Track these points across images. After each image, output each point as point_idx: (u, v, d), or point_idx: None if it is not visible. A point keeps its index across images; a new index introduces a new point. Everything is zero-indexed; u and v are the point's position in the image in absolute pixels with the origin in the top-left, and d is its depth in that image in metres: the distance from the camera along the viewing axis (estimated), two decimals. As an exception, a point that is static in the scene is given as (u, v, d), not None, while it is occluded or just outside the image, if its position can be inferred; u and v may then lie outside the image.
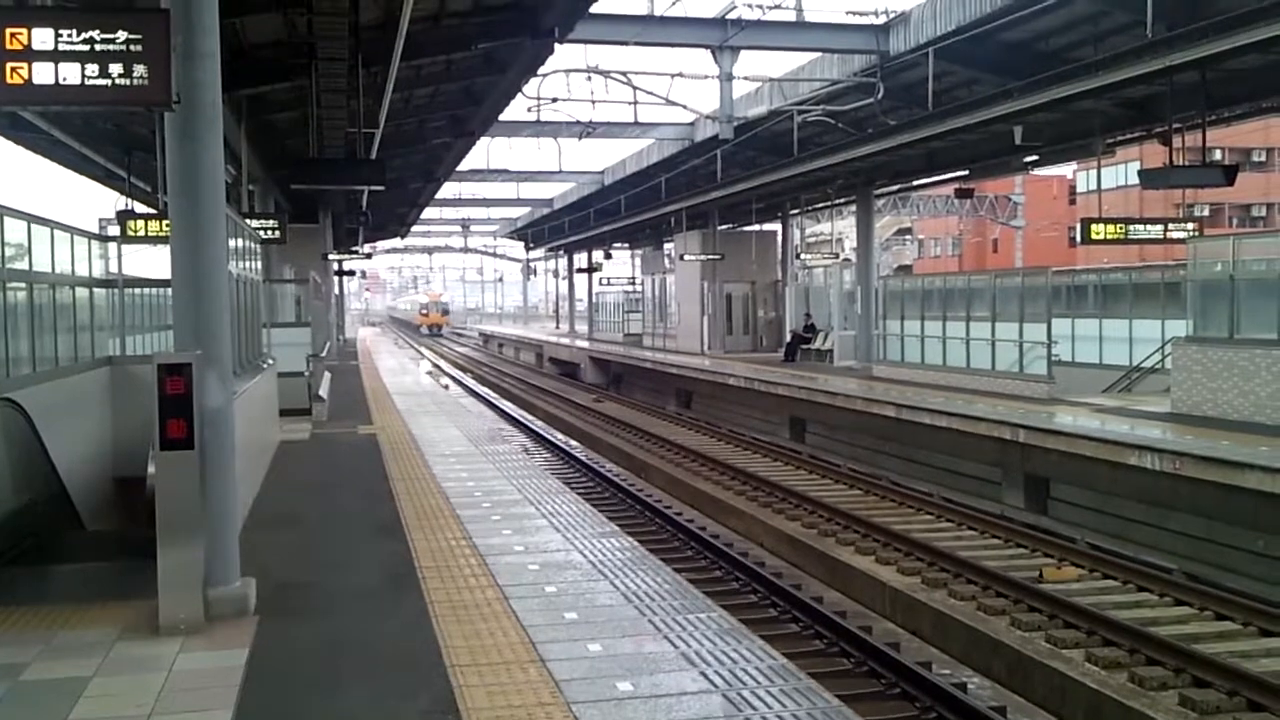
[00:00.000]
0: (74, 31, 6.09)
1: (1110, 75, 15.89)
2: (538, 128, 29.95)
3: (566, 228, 52.33)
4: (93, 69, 6.09)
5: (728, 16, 21.34)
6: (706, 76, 22.87)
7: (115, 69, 6.10)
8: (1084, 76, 16.42)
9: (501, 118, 25.06)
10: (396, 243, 74.97)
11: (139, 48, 6.09)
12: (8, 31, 6.04)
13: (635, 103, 25.08)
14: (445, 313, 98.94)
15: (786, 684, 5.73)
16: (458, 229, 72.86)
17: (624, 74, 23.71)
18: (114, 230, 17.34)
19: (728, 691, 5.61)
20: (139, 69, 6.10)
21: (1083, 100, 17.57)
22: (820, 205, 39.03)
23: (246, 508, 9.84)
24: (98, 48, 6.08)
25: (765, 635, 7.64)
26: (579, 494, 12.68)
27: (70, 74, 6.10)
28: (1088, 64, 16.63)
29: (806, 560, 14.14)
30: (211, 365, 6.90)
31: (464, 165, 33.11)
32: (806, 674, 6.04)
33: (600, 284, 60.95)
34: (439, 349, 71.14)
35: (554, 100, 24.77)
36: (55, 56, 6.08)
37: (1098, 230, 19.52)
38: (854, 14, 21.49)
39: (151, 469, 7.01)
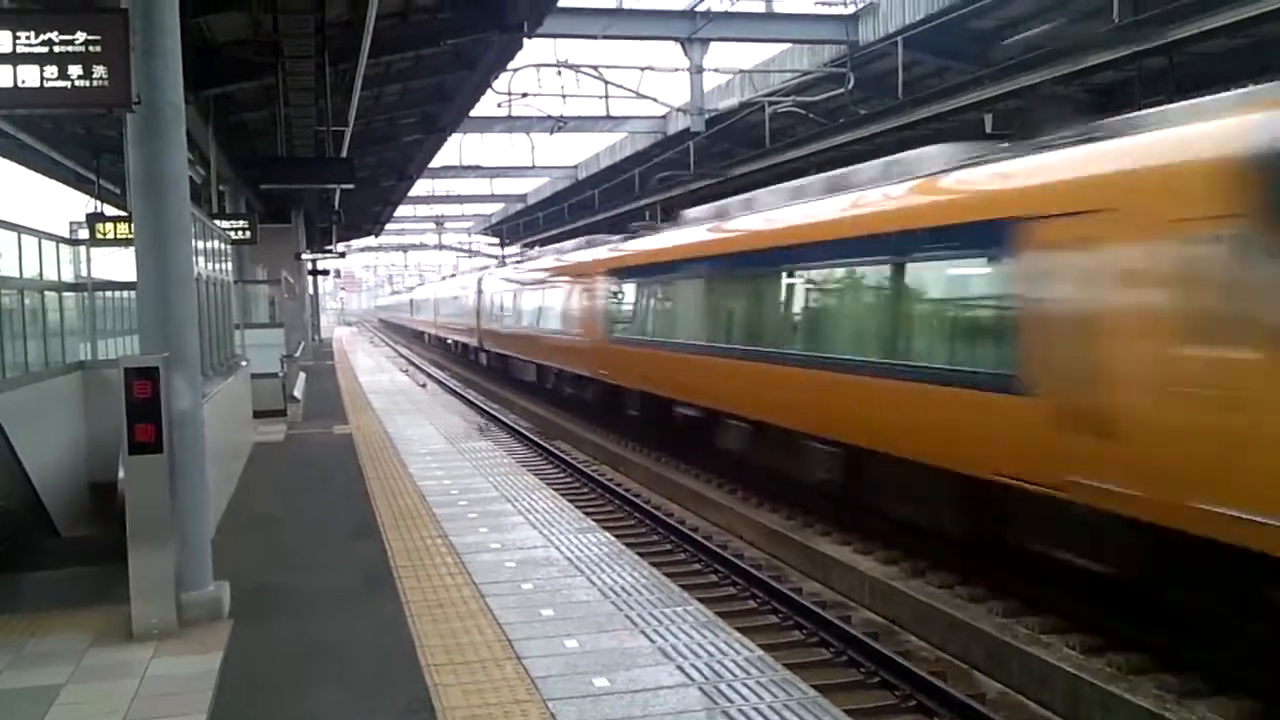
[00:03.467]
0: (32, 33, 6.03)
1: (1079, 62, 15.94)
2: (509, 123, 29.95)
3: (541, 223, 52.18)
4: (51, 71, 6.04)
5: (697, 8, 21.35)
6: (677, 69, 22.85)
7: (74, 70, 6.05)
8: (1053, 63, 16.46)
9: (473, 113, 25.02)
10: (370, 241, 74.66)
11: (98, 48, 6.05)
12: (-36, 35, 5.98)
13: (606, 97, 24.98)
14: None
15: (764, 675, 5.73)
16: (431, 226, 72.51)
17: (594, 68, 23.65)
18: (84, 234, 17.23)
19: (705, 685, 5.60)
20: (98, 70, 6.06)
21: (1052, 87, 17.60)
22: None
23: (220, 511, 9.78)
24: (56, 49, 6.03)
25: (743, 628, 7.64)
26: (557, 490, 12.65)
27: (29, 76, 6.04)
28: (1056, 51, 16.67)
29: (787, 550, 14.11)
30: (179, 368, 6.84)
31: (436, 162, 33.07)
32: (783, 665, 6.05)
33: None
34: None
35: (524, 95, 24.73)
36: (14, 59, 6.02)
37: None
38: (823, 4, 21.45)
39: (122, 473, 6.95)
